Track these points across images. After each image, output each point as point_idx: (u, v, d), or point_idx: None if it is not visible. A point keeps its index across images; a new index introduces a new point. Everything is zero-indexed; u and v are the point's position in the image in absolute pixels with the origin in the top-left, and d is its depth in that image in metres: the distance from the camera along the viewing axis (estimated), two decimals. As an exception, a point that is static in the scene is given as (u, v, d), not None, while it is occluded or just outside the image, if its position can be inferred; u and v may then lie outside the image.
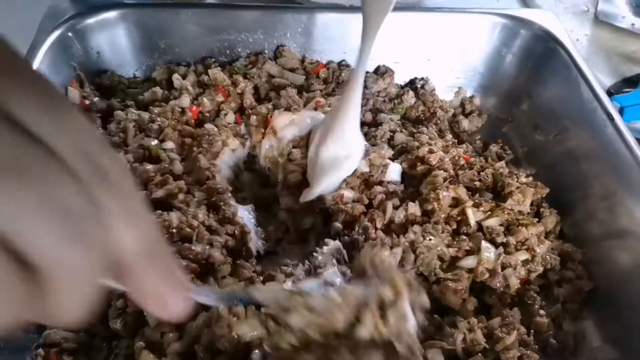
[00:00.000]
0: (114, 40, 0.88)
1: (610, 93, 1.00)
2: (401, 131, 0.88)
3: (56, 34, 0.82)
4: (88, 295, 0.23)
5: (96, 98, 0.84)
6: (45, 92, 0.22)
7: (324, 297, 0.43)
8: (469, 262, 0.68)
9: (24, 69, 0.23)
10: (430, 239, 0.68)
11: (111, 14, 0.87)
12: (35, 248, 0.20)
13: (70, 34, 0.84)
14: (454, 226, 0.71)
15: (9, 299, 0.21)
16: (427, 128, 0.90)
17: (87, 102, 0.83)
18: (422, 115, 0.94)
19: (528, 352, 0.63)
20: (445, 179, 0.73)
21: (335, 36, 0.93)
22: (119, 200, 0.24)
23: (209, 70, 0.87)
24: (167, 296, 0.27)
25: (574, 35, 1.07)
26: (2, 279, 0.20)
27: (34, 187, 0.20)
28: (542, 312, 0.67)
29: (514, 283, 0.67)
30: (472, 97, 0.99)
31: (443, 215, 0.70)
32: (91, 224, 0.22)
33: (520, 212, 0.71)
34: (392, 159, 0.79)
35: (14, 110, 0.21)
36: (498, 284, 0.66)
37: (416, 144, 0.79)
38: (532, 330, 0.66)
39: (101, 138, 0.24)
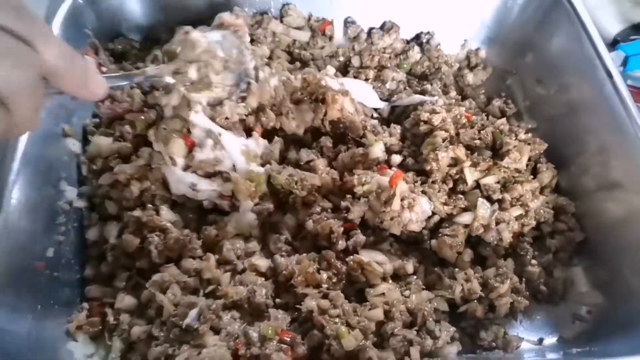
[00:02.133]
0: (124, 4, 0.90)
1: (616, 41, 1.00)
2: (405, 89, 0.90)
3: (69, 1, 0.84)
4: (36, 102, 0.37)
5: (112, 65, 0.87)
6: None
7: None
8: (465, 218, 0.73)
9: None
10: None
11: (120, -21, 0.88)
12: None
13: (81, 0, 0.86)
14: (451, 185, 0.76)
15: None
16: (432, 84, 0.92)
17: (104, 69, 0.86)
18: (427, 71, 0.96)
19: (519, 298, 0.70)
20: (444, 139, 0.77)
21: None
22: (38, 26, 0.37)
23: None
24: (89, 83, 0.44)
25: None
26: None
27: None
28: (534, 261, 0.74)
29: (507, 237, 0.72)
30: (477, 49, 1.00)
31: (440, 175, 0.75)
32: (21, 50, 0.35)
33: (516, 170, 0.76)
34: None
35: None
36: (492, 238, 0.72)
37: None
38: (523, 279, 0.72)
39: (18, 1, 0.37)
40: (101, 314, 0.69)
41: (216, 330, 0.65)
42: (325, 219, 0.71)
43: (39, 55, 0.37)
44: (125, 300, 0.69)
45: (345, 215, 0.72)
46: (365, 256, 0.69)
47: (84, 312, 0.69)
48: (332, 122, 0.81)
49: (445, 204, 0.73)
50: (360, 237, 0.70)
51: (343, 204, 0.73)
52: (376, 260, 0.69)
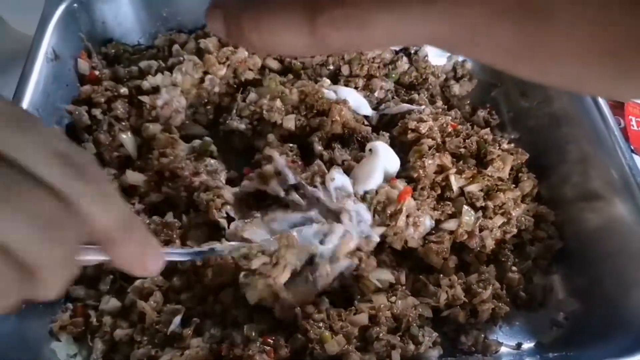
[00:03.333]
0: (118, 9, 0.92)
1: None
2: (393, 98, 0.93)
3: (64, 5, 0.86)
4: (68, 275, 0.31)
5: (106, 70, 0.88)
6: (13, 114, 0.29)
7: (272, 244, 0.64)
8: (451, 224, 0.75)
9: None
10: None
11: (115, -16, 0.90)
12: (21, 250, 0.27)
13: (76, 4, 0.88)
14: (439, 191, 0.78)
15: (7, 290, 0.28)
16: (419, 94, 0.94)
17: (96, 72, 0.87)
18: (414, 81, 0.99)
19: (500, 304, 0.72)
20: (431, 147, 0.79)
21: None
22: (94, 187, 0.30)
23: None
24: (145, 259, 0.35)
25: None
26: (2, 275, 0.27)
27: (11, 204, 0.27)
28: (514, 268, 0.75)
29: (490, 243, 0.74)
30: (464, 61, 1.02)
31: (428, 182, 0.77)
32: (63, 220, 0.29)
33: (499, 179, 0.78)
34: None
35: None
36: (475, 244, 0.74)
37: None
38: (504, 285, 0.74)
39: (68, 140, 0.31)
40: (84, 315, 0.70)
41: (199, 333, 0.66)
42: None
43: (90, 225, 0.30)
44: (111, 303, 0.70)
45: None
46: (374, 275, 0.70)
47: (67, 312, 0.69)
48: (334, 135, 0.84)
49: (434, 209, 0.75)
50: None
51: None
52: (381, 278, 0.71)
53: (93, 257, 0.34)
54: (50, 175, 0.28)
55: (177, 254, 0.55)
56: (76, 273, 0.32)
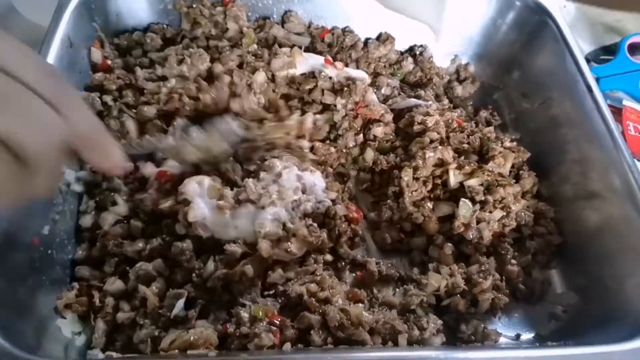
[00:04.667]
0: (132, 2, 0.94)
1: (587, 60, 1.06)
2: (399, 94, 0.95)
3: (79, -4, 0.88)
4: (57, 171, 0.38)
5: (118, 60, 0.90)
6: (11, 43, 0.36)
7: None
8: (445, 209, 0.78)
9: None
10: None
11: (129, -23, 0.92)
12: (17, 142, 0.33)
13: (91, -5, 0.90)
14: (430, 187, 0.79)
15: (6, 184, 0.34)
16: (425, 91, 0.96)
17: (109, 61, 0.89)
18: (419, 81, 1.01)
19: (500, 295, 0.73)
20: (435, 140, 0.81)
21: (340, 2, 0.99)
22: (73, 99, 0.38)
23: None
24: (109, 153, 0.43)
25: (562, 1, 1.11)
26: (2, 169, 0.34)
27: (12, 108, 0.33)
28: (513, 261, 0.77)
29: (487, 235, 0.76)
30: (467, 64, 1.05)
31: (426, 173, 0.78)
32: (51, 119, 0.36)
33: (500, 174, 0.79)
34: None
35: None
36: (472, 236, 0.75)
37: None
38: (503, 277, 0.75)
39: (51, 67, 0.40)
40: (89, 295, 0.70)
41: (204, 315, 0.67)
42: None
43: (69, 124, 0.37)
44: (115, 284, 0.70)
45: None
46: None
47: (73, 291, 0.70)
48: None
49: (414, 204, 0.77)
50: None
51: None
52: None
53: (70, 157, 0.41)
54: (39, 84, 0.35)
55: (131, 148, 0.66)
56: (63, 172, 0.41)
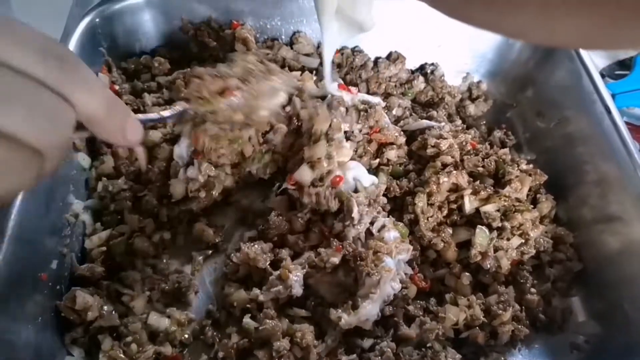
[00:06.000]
0: (139, 25, 0.93)
1: (602, 75, 1.03)
2: (411, 115, 0.93)
3: (86, 20, 0.87)
4: (65, 150, 0.37)
5: (125, 85, 0.89)
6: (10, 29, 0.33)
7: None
8: (463, 235, 0.76)
9: None
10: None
11: (137, 0, 0.91)
12: (26, 138, 0.32)
13: (98, 20, 0.89)
14: (445, 212, 0.77)
15: (22, 169, 0.34)
16: (437, 112, 0.94)
17: (116, 87, 0.88)
18: (431, 100, 0.99)
19: (520, 326, 0.71)
20: (447, 165, 0.79)
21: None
22: (76, 76, 0.36)
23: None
24: (125, 129, 0.41)
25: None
26: (13, 158, 0.33)
27: (12, 101, 0.32)
28: (533, 290, 0.74)
29: (505, 264, 0.73)
30: (479, 82, 1.03)
31: (440, 198, 0.76)
32: (56, 107, 0.34)
33: (517, 200, 0.77)
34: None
35: None
36: (489, 265, 0.73)
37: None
38: (523, 306, 0.73)
39: (44, 35, 0.35)
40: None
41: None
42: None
43: (77, 108, 0.36)
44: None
45: None
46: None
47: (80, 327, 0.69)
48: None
49: (432, 230, 0.75)
50: None
51: None
52: None
53: (81, 134, 0.40)
54: (43, 74, 0.33)
55: (149, 118, 0.55)
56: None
